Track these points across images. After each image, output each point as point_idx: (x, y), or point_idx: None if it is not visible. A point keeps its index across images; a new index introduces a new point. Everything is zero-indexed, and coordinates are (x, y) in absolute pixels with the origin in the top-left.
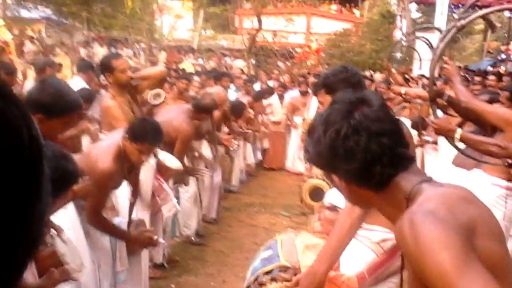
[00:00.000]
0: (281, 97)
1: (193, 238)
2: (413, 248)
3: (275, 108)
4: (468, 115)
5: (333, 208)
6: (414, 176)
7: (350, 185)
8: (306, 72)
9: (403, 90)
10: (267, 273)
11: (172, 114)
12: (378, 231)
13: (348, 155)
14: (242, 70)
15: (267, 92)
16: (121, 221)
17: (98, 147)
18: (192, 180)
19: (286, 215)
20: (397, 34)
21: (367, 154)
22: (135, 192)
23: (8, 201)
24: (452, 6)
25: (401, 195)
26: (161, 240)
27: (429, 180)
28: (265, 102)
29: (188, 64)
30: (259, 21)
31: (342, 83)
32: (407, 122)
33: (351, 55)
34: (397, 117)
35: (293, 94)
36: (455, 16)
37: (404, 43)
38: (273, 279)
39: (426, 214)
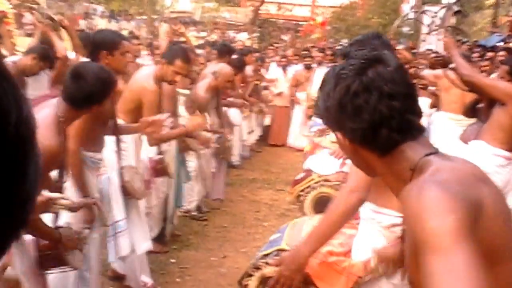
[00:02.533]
0: (284, 70)
1: (194, 213)
2: (414, 208)
3: (278, 82)
4: (473, 87)
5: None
6: (422, 147)
7: (354, 145)
8: (310, 46)
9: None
10: (265, 255)
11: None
12: (389, 215)
13: (356, 113)
14: (243, 43)
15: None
16: (109, 177)
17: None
18: (193, 154)
19: (289, 191)
20: (405, 8)
21: (375, 114)
22: (118, 142)
23: None
24: None
25: (406, 164)
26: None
27: (437, 152)
28: (268, 77)
29: (190, 37)
30: None
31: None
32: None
33: (357, 29)
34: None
35: (296, 68)
36: None
37: (411, 17)
38: (267, 263)
39: (437, 183)
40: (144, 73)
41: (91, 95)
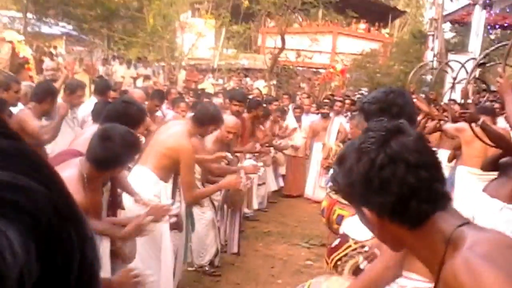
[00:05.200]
0: (298, 119)
1: (207, 268)
2: None
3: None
4: (501, 144)
5: (345, 238)
6: (453, 217)
7: (383, 220)
8: (329, 94)
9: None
10: None
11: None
12: (413, 279)
13: (383, 186)
14: (260, 91)
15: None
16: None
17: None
18: (208, 203)
19: (305, 245)
20: (429, 56)
21: (403, 186)
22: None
23: None
24: (488, 27)
25: (439, 237)
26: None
27: (469, 223)
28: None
29: (208, 84)
30: (283, 40)
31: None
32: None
33: (378, 77)
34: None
35: (313, 117)
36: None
37: (435, 65)
38: None
39: (483, 259)
40: (179, 130)
41: (116, 157)
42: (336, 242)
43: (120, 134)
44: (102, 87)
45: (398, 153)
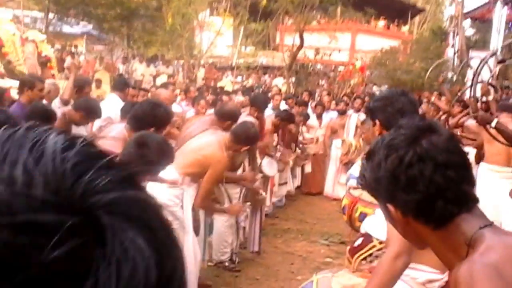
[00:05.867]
0: (319, 117)
1: (226, 264)
2: None
3: (312, 129)
4: None
5: (368, 237)
6: (476, 219)
7: (407, 218)
8: (349, 91)
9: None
10: None
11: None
12: (425, 271)
13: (410, 184)
14: (279, 88)
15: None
16: None
17: None
18: (227, 201)
19: (324, 243)
20: (449, 52)
21: (430, 186)
22: None
23: None
24: (510, 24)
25: (461, 239)
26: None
27: (491, 225)
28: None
29: (227, 82)
30: (301, 38)
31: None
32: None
33: (398, 74)
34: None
35: (332, 115)
36: None
37: (456, 62)
38: None
39: (487, 267)
40: (215, 139)
41: (150, 164)
42: (359, 241)
43: (157, 142)
44: (121, 84)
45: (427, 151)
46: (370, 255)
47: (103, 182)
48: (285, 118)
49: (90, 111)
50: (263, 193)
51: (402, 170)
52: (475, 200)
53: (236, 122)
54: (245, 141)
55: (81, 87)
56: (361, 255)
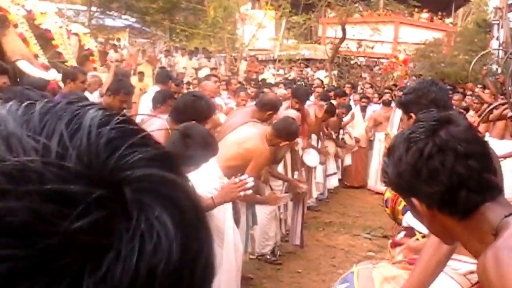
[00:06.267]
0: (363, 109)
1: (268, 257)
2: (497, 286)
3: (356, 122)
4: None
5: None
6: (501, 208)
7: (432, 210)
8: (392, 84)
9: None
10: None
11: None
12: (466, 262)
13: (432, 176)
14: (321, 81)
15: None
16: None
17: None
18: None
19: (367, 236)
20: (494, 45)
21: (452, 176)
22: None
23: None
24: None
25: (487, 228)
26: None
27: None
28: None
29: (269, 75)
30: (343, 31)
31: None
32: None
33: (442, 66)
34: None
35: (376, 107)
36: None
37: (500, 54)
38: None
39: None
40: (257, 132)
41: (193, 156)
42: (401, 234)
43: (201, 133)
44: (163, 77)
45: (446, 142)
46: None
47: (134, 159)
48: (328, 111)
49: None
50: (305, 187)
51: (423, 162)
52: (498, 189)
53: (276, 113)
54: (286, 136)
55: (74, 78)
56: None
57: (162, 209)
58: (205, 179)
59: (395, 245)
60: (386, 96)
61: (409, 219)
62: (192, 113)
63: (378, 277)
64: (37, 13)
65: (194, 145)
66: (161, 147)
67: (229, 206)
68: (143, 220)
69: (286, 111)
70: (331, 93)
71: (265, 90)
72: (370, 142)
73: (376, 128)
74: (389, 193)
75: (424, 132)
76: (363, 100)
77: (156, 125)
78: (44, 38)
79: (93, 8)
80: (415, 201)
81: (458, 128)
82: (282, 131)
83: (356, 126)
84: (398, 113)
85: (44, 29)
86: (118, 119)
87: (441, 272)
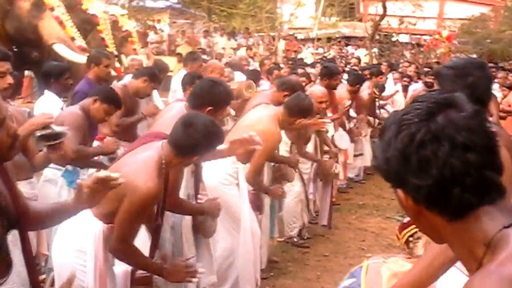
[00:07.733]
0: (405, 89)
1: (295, 239)
2: None
3: (396, 102)
4: None
5: None
6: (501, 215)
7: (419, 206)
8: (434, 61)
9: None
10: None
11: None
12: None
13: (421, 167)
14: (359, 59)
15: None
16: None
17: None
18: (297, 177)
19: (400, 219)
20: None
21: (445, 169)
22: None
23: None
24: None
25: (480, 236)
26: (201, 269)
27: None
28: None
29: (307, 54)
30: (384, 7)
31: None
32: None
33: (487, 43)
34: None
35: (417, 86)
36: None
37: None
38: None
39: (505, 282)
40: (267, 114)
41: (197, 145)
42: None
43: (203, 123)
44: (189, 59)
45: (443, 129)
46: (417, 231)
47: None
48: (353, 83)
49: (152, 77)
50: (335, 168)
51: (413, 149)
52: (501, 191)
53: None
54: (299, 113)
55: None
56: (408, 231)
57: None
58: (218, 165)
59: (402, 228)
60: (428, 77)
61: None
62: (209, 99)
63: (387, 272)
64: None
65: (196, 134)
66: None
67: (245, 192)
68: None
69: (312, 87)
70: (366, 72)
71: (299, 70)
72: None
73: None
74: None
75: (419, 115)
76: (404, 79)
77: (176, 109)
78: (91, 23)
79: None
80: (400, 193)
81: (460, 113)
82: (294, 108)
83: (397, 105)
84: None
85: (91, 14)
86: None
87: (443, 274)
